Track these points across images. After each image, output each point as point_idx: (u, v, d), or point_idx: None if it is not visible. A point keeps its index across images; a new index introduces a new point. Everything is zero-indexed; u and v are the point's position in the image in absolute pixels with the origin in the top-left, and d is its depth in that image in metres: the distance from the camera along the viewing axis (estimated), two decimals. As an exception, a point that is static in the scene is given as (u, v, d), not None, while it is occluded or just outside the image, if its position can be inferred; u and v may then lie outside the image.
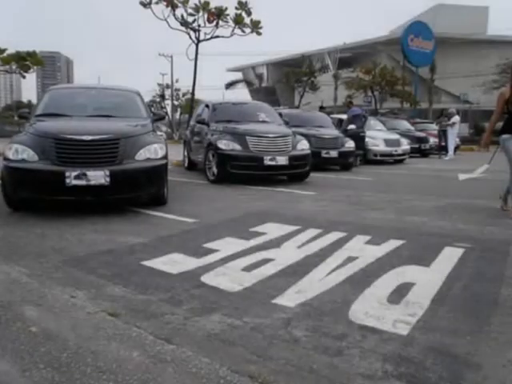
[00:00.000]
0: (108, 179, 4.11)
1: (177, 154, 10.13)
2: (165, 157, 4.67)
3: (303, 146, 7.22)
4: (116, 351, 1.69)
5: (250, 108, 8.59)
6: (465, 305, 2.20)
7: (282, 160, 6.80)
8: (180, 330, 1.89)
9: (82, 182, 4.05)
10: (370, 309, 2.12)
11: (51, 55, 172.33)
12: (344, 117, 11.67)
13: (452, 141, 13.78)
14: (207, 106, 8.50)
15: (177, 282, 2.48)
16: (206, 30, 11.50)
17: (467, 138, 22.39)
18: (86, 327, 1.90)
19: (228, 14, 11.19)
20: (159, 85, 36.33)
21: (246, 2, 11.06)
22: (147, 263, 2.80)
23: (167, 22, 11.15)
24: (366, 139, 11.07)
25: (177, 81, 35.35)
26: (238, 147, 6.79)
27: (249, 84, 48.15)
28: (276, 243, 3.28)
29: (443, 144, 14.01)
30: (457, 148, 15.08)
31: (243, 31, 11.40)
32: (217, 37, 11.57)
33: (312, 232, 3.62)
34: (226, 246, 3.20)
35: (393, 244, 3.27)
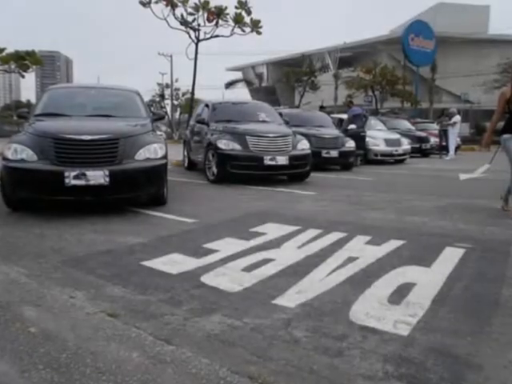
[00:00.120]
0: (107, 179, 4.10)
1: (176, 153, 10.12)
2: (164, 157, 4.66)
3: (303, 145, 7.21)
4: (115, 352, 1.68)
5: (249, 108, 8.58)
6: (466, 305, 2.19)
7: (282, 160, 6.79)
8: (180, 330, 1.89)
9: (82, 182, 4.04)
10: (371, 309, 2.11)
11: (50, 54, 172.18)
12: (344, 116, 11.66)
13: (453, 140, 13.76)
14: (207, 105, 8.50)
15: (176, 282, 2.47)
16: (206, 30, 11.51)
17: (468, 138, 22.38)
18: (85, 328, 1.89)
19: (228, 14, 11.18)
20: (159, 84, 36.34)
21: (246, 2, 11.05)
22: (147, 263, 2.79)
23: (167, 21, 11.15)
24: (367, 139, 11.06)
25: (176, 80, 35.38)
26: (237, 147, 6.78)
27: (249, 83, 48.18)
28: (276, 243, 3.28)
29: (444, 144, 14.00)
30: (458, 148, 15.06)
31: (243, 30, 11.39)
32: (216, 36, 11.57)
33: (312, 232, 3.61)
34: (226, 246, 3.19)
35: (393, 244, 3.26)
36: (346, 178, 8.12)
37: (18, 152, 4.17)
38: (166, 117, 30.66)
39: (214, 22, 11.22)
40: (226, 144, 6.83)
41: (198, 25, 11.39)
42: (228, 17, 11.20)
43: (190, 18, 11.27)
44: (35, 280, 2.47)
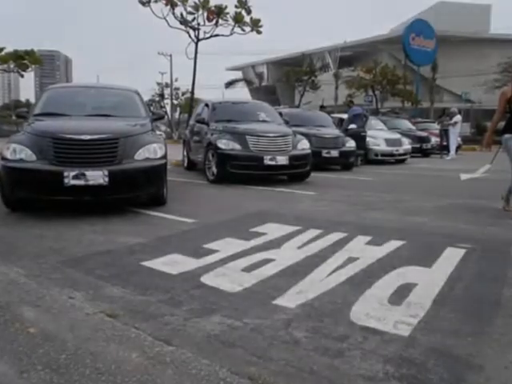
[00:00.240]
0: (107, 179, 4.09)
1: (176, 153, 10.11)
2: (164, 156, 4.66)
3: (304, 145, 7.20)
4: (115, 352, 1.68)
5: (249, 107, 8.57)
6: (466, 306, 2.19)
7: (283, 160, 6.78)
8: (179, 331, 1.88)
9: (81, 182, 4.03)
10: (371, 310, 2.10)
11: (50, 54, 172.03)
12: (345, 116, 11.64)
13: (454, 140, 13.73)
14: (207, 105, 8.48)
15: (176, 282, 2.46)
16: (206, 29, 11.51)
17: (469, 138, 22.32)
18: (84, 328, 1.88)
19: (228, 13, 11.18)
20: (158, 84, 36.25)
21: (246, 1, 11.05)
22: (146, 264, 2.78)
23: (166, 20, 11.15)
24: (367, 139, 11.04)
25: (176, 80, 35.31)
26: (237, 147, 6.77)
27: (249, 83, 48.12)
28: (276, 244, 3.27)
29: (445, 144, 13.97)
30: (458, 148, 15.03)
31: (243, 30, 11.39)
32: (216, 35, 11.56)
33: (312, 232, 3.61)
34: (226, 246, 3.18)
35: (394, 244, 3.26)
36: (346, 178, 8.11)
37: (17, 152, 4.16)
38: (166, 116, 30.64)
39: (214, 21, 11.22)
40: (225, 144, 6.82)
41: (198, 24, 11.39)
42: (228, 16, 11.21)
43: (189, 17, 11.28)
44: (34, 280, 2.47)
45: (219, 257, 2.91)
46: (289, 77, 30.18)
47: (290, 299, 2.23)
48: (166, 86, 36.22)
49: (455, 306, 2.18)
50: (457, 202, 5.40)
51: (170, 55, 35.24)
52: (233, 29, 11.36)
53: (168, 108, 36.82)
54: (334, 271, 2.65)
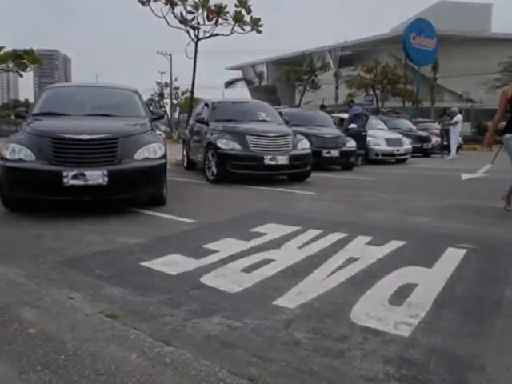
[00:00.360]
0: (106, 179, 4.08)
1: (176, 153, 10.10)
2: (164, 156, 4.65)
3: (304, 145, 7.19)
4: (114, 353, 1.67)
5: (249, 107, 8.56)
6: (467, 306, 2.18)
7: (283, 159, 6.77)
8: (179, 331, 1.88)
9: (80, 182, 4.02)
10: (372, 310, 2.09)
11: (49, 53, 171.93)
12: (345, 116, 11.63)
13: (454, 140, 13.72)
14: (207, 104, 8.47)
15: (176, 283, 2.46)
16: (206, 28, 11.50)
17: (470, 138, 22.28)
18: (83, 329, 1.88)
19: (228, 12, 11.18)
20: (158, 83, 36.22)
21: (246, 0, 11.03)
22: (146, 264, 2.77)
23: (166, 19, 11.14)
24: (368, 138, 11.03)
25: (176, 79, 35.27)
26: (237, 146, 6.76)
27: (249, 82, 48.12)
28: (276, 244, 3.26)
29: (445, 143, 13.96)
30: (459, 147, 15.00)
31: (243, 29, 11.39)
32: (216, 35, 11.55)
33: (313, 232, 3.60)
34: (226, 246, 3.17)
35: (394, 245, 3.25)
36: (346, 178, 8.10)
37: (16, 152, 4.15)
38: (165, 116, 30.59)
39: (214, 20, 11.21)
40: (225, 143, 6.81)
41: (198, 23, 11.39)
42: (228, 15, 11.20)
43: (189, 17, 11.28)
44: (33, 281, 2.46)
45: (219, 257, 2.91)
46: (289, 76, 30.13)
47: (290, 300, 2.22)
48: (166, 85, 36.18)
49: (456, 306, 2.17)
50: (457, 201, 5.39)
51: (170, 54, 35.25)
52: (233, 28, 11.36)
53: (167, 107, 36.78)
54: (334, 271, 2.64)
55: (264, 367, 1.59)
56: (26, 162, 4.10)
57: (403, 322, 1.97)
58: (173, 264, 2.77)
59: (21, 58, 14.67)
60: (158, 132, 7.04)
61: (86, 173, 4.03)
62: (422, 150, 14.29)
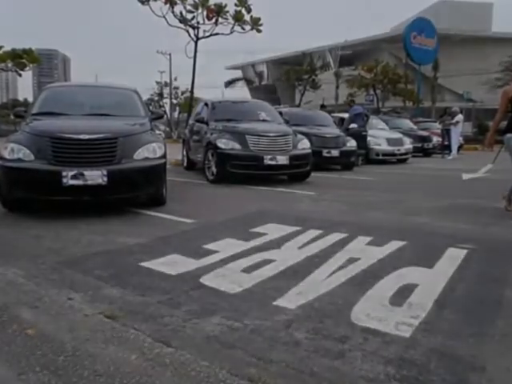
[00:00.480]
0: (105, 179, 4.07)
1: (175, 153, 10.10)
2: (163, 156, 4.64)
3: (304, 145, 7.18)
4: (114, 354, 1.67)
5: (249, 106, 8.55)
6: (468, 307, 2.17)
7: (283, 159, 6.76)
8: (179, 332, 1.87)
9: (79, 182, 4.01)
10: (372, 311, 2.09)
11: (48, 53, 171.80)
12: (345, 115, 11.62)
13: (455, 140, 13.71)
14: (206, 104, 8.46)
15: (176, 283, 2.45)
16: (206, 28, 11.48)
17: (471, 137, 22.27)
18: (83, 329, 1.87)
19: (227, 11, 11.16)
20: (157, 83, 36.21)
21: (246, -1, 11.03)
22: (146, 264, 2.77)
23: (166, 19, 11.12)
24: (368, 138, 11.02)
25: (175, 79, 35.26)
26: (237, 146, 6.75)
27: (248, 82, 48.07)
28: (276, 244, 3.25)
29: (446, 143, 13.95)
30: (460, 147, 14.98)
31: (243, 28, 11.37)
32: (216, 34, 11.54)
33: (313, 233, 3.59)
34: (226, 246, 3.17)
35: (395, 245, 3.24)
36: (347, 178, 8.09)
37: (15, 151, 4.13)
38: (165, 116, 30.58)
39: (214, 19, 11.20)
40: (225, 143, 6.80)
41: (198, 23, 11.37)
42: (228, 14, 11.18)
43: (189, 16, 11.26)
44: (32, 281, 2.45)
45: (219, 257, 2.90)
46: (289, 76, 30.12)
47: (290, 300, 2.21)
48: (166, 85, 36.17)
49: (457, 306, 2.17)
50: (458, 201, 5.38)
51: (170, 54, 35.22)
52: (233, 27, 11.34)
53: (167, 107, 36.77)
54: (334, 272, 2.63)
55: (264, 368, 1.59)
56: (25, 162, 4.09)
57: (404, 323, 1.96)
58: (172, 264, 2.76)
59: (20, 58, 14.67)
60: (157, 132, 7.03)
61: (86, 173, 4.02)
62: (423, 149, 14.28)
